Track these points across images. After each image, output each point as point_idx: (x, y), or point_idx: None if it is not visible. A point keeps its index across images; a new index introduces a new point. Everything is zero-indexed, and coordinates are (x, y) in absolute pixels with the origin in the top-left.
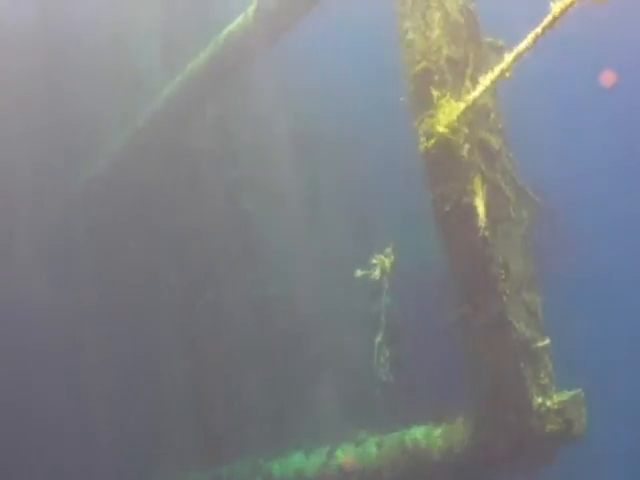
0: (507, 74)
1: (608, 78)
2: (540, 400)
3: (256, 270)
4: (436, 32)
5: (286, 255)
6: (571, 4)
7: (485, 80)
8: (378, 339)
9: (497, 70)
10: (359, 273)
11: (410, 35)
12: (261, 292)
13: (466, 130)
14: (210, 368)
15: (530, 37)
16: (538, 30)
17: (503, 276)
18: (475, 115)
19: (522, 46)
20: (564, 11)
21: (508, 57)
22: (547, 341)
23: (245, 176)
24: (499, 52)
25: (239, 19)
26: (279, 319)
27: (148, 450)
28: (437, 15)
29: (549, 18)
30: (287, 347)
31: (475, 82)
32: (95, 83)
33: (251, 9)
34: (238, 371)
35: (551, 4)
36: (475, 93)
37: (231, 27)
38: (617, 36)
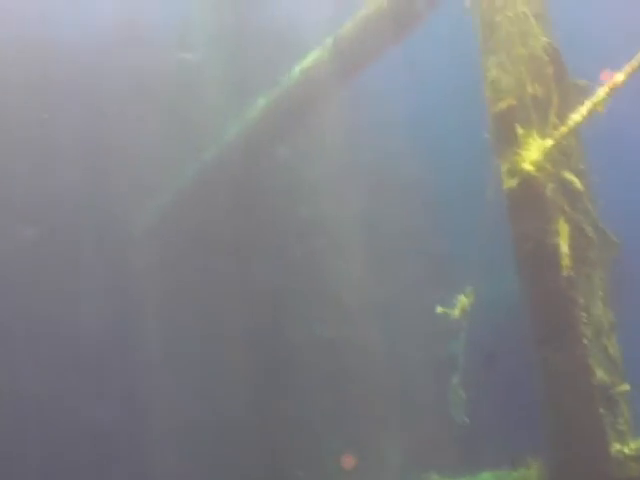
0: (599, 108)
1: (608, 78)
2: (618, 447)
3: (327, 311)
4: (520, 69)
5: (356, 296)
6: None
7: (576, 115)
8: (454, 380)
9: (588, 104)
10: (439, 310)
11: (494, 72)
12: (332, 333)
13: (551, 168)
14: (279, 407)
15: (628, 69)
16: (636, 63)
17: (585, 319)
18: (559, 154)
19: (617, 79)
20: None
21: (601, 90)
22: (626, 387)
23: (315, 215)
24: (582, 92)
25: (315, 53)
26: (349, 360)
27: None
28: (522, 52)
29: None
30: (357, 389)
31: (560, 120)
32: (160, 117)
33: (328, 43)
34: (307, 410)
35: None
36: (564, 128)
37: (306, 62)
38: None
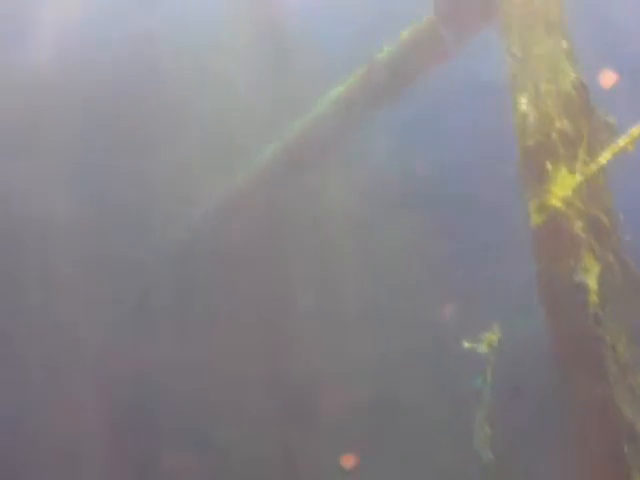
0: (630, 147)
1: (608, 78)
2: None
3: (343, 334)
4: (549, 105)
5: (375, 321)
6: None
7: (607, 153)
8: (480, 415)
9: (621, 142)
10: (466, 345)
11: (523, 108)
12: (346, 355)
13: (580, 205)
14: (289, 428)
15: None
16: None
17: (611, 357)
18: (588, 191)
19: None
20: None
21: (635, 129)
22: None
23: (335, 242)
24: (610, 129)
25: (348, 81)
26: (365, 382)
27: None
28: (550, 88)
29: None
30: (371, 413)
31: (590, 156)
32: (192, 140)
33: (361, 70)
34: (319, 430)
35: None
36: (594, 165)
37: (339, 89)
38: None
